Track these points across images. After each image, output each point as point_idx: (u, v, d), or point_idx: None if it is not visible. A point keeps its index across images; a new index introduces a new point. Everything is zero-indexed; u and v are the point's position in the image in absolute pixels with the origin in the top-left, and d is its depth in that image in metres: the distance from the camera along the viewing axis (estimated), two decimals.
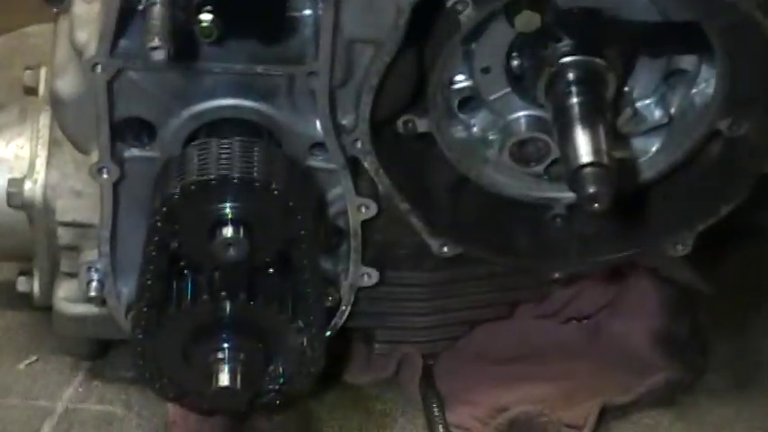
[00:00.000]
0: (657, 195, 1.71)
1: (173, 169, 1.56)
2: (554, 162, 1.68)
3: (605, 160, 1.52)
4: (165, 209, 1.55)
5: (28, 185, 1.68)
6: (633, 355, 1.78)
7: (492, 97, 1.64)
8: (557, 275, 1.75)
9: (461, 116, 1.66)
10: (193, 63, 1.54)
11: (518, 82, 1.63)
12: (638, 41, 1.60)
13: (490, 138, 1.66)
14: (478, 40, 1.59)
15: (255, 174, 1.52)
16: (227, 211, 1.52)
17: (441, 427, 1.72)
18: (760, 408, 1.76)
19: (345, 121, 1.59)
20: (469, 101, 1.66)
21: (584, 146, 1.51)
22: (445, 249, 1.68)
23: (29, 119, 1.76)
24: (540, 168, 1.67)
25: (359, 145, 1.60)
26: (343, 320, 1.76)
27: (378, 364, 1.81)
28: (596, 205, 1.49)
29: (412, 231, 1.68)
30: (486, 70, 1.62)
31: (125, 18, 1.49)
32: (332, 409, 1.79)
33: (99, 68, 1.52)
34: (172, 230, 1.57)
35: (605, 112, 1.58)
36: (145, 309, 1.61)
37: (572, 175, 1.52)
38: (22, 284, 1.81)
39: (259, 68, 1.55)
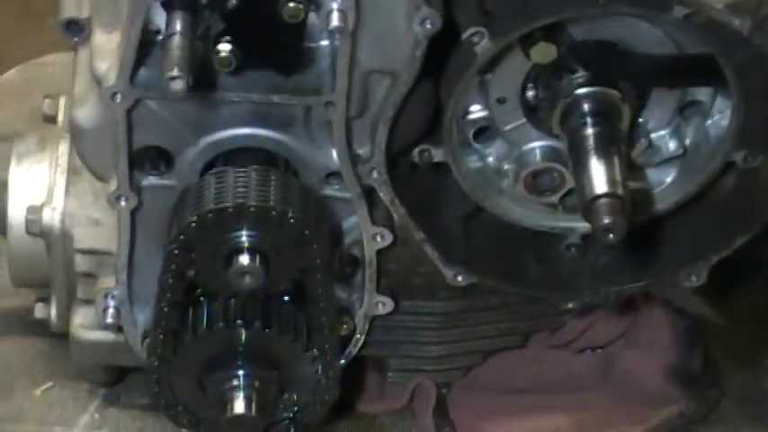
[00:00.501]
0: (672, 226, 1.71)
1: (190, 198, 1.56)
2: (569, 192, 1.66)
3: (620, 191, 1.51)
4: (181, 237, 1.55)
5: (46, 213, 1.67)
6: (647, 386, 1.75)
7: (507, 128, 1.63)
8: (570, 305, 1.70)
9: (476, 146, 1.65)
10: (211, 93, 1.52)
11: (533, 113, 1.62)
12: (652, 73, 1.58)
13: (505, 168, 1.65)
14: (494, 71, 1.58)
15: (272, 202, 1.51)
16: (244, 239, 1.51)
17: None
18: None
19: (361, 151, 1.59)
20: (484, 131, 1.65)
21: (599, 177, 1.51)
22: (459, 279, 1.67)
23: (48, 147, 1.76)
24: (554, 198, 1.67)
25: (374, 175, 1.59)
26: (357, 349, 1.74)
27: (391, 393, 1.79)
28: (611, 236, 1.49)
29: (426, 261, 1.67)
30: (501, 101, 1.61)
31: (145, 48, 1.48)
32: None
33: (118, 98, 1.50)
34: (188, 258, 1.56)
35: (620, 143, 1.57)
36: (161, 336, 1.60)
37: (587, 205, 1.51)
38: (39, 311, 1.81)
39: (276, 98, 1.54)
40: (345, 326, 1.70)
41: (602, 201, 1.49)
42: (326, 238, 1.59)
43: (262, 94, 1.52)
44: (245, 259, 1.51)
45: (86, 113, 1.58)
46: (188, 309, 1.62)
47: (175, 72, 1.37)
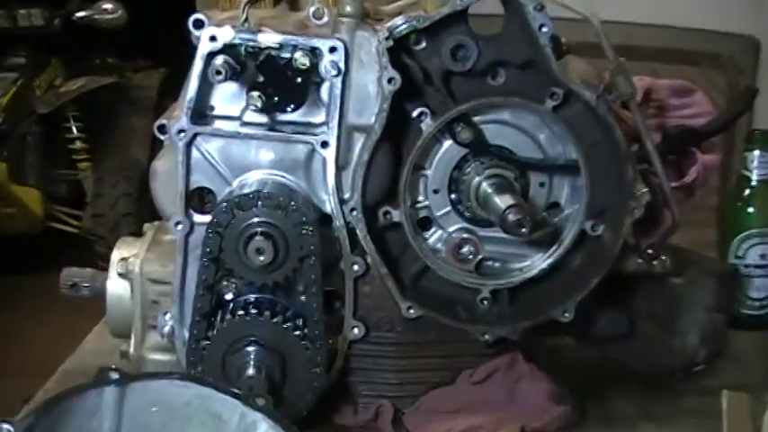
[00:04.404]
0: (549, 280, 1.52)
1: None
2: (480, 262, 1.49)
3: (522, 202, 1.35)
4: (215, 220, 1.32)
5: (131, 260, 1.47)
6: (537, 404, 1.53)
7: (438, 213, 1.47)
8: (487, 337, 1.50)
9: (422, 234, 1.48)
10: (245, 129, 1.37)
11: (455, 205, 1.49)
12: (527, 165, 1.48)
13: (438, 246, 1.49)
14: (431, 167, 1.45)
15: (281, 198, 1.31)
16: (258, 222, 1.32)
17: None
18: None
19: (346, 197, 1.39)
20: (427, 222, 1.48)
21: (503, 199, 1.37)
22: (411, 311, 1.43)
23: (140, 239, 1.56)
24: (471, 267, 1.48)
25: (354, 213, 1.38)
26: (338, 368, 1.47)
27: (361, 411, 1.54)
28: (523, 230, 1.30)
29: (389, 298, 1.45)
30: (436, 191, 1.45)
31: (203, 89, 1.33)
32: None
33: (182, 135, 1.35)
34: (219, 243, 1.33)
35: (518, 194, 1.43)
36: (197, 319, 1.36)
37: (501, 219, 1.32)
38: (123, 346, 1.53)
39: (290, 136, 1.37)
40: (331, 340, 1.43)
41: (510, 209, 1.33)
42: (318, 230, 1.35)
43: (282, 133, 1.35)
44: (260, 240, 1.31)
45: (161, 162, 1.42)
46: (217, 310, 1.38)
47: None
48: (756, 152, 1.75)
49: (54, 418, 0.90)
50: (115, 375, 0.95)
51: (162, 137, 1.38)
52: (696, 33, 3.39)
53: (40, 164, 5.08)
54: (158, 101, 5.19)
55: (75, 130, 5.16)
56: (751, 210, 1.77)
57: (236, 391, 1.04)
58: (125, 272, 1.46)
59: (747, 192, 1.78)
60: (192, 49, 1.30)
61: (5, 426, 0.82)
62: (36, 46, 5.01)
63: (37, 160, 5.07)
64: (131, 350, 1.49)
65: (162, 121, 1.38)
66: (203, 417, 1.00)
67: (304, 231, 1.30)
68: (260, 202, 1.29)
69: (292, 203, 1.29)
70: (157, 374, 1.04)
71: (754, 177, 1.77)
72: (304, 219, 1.29)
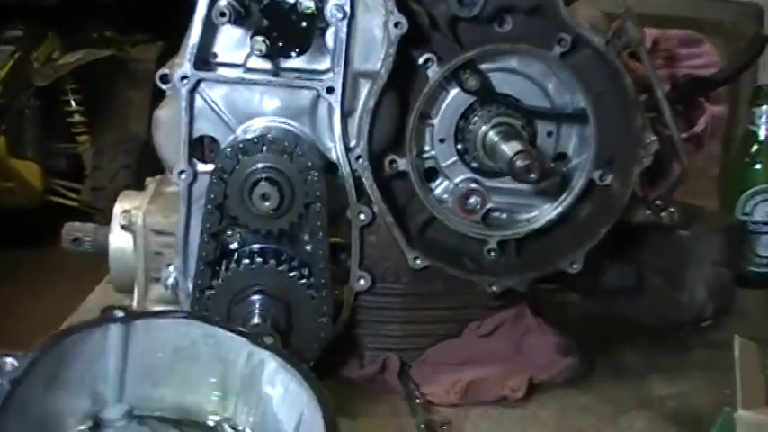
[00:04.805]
0: (557, 230, 1.48)
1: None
2: (487, 213, 1.46)
3: (530, 149, 1.32)
4: (220, 166, 1.29)
5: (134, 211, 1.44)
6: (544, 356, 1.51)
7: (445, 164, 1.43)
8: (494, 288, 1.47)
9: (429, 184, 1.45)
10: (249, 75, 1.34)
11: (462, 155, 1.45)
12: (533, 113, 1.45)
13: (444, 197, 1.46)
14: (438, 116, 1.41)
15: (286, 143, 1.27)
16: (263, 168, 1.29)
17: (415, 392, 1.44)
18: None
19: (352, 144, 1.35)
20: (433, 173, 1.45)
21: (511, 147, 1.32)
22: (418, 262, 1.40)
23: (142, 192, 1.53)
24: (478, 217, 1.45)
25: (360, 161, 1.35)
26: (345, 319, 1.43)
27: (367, 364, 1.51)
28: (532, 175, 1.27)
29: (395, 248, 1.42)
30: (442, 141, 1.41)
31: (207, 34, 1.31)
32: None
33: (185, 81, 1.31)
34: (223, 189, 1.29)
35: (525, 141, 1.39)
36: (202, 269, 1.33)
37: (509, 166, 1.28)
38: (126, 301, 1.47)
39: (295, 81, 1.34)
40: (337, 291, 1.39)
41: (518, 155, 1.29)
42: (324, 181, 1.31)
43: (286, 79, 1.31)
44: (265, 186, 1.28)
45: (164, 111, 1.37)
46: (222, 260, 1.34)
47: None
48: (764, 107, 1.72)
49: (59, 355, 0.88)
50: (120, 313, 0.92)
51: (164, 86, 1.34)
52: (699, 0, 3.31)
53: (39, 137, 5.03)
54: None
55: (73, 103, 5.10)
56: (758, 166, 1.75)
57: (243, 329, 1.00)
58: (128, 224, 1.42)
59: (755, 148, 1.74)
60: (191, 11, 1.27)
61: (9, 360, 0.80)
62: (33, 19, 4.94)
63: (35, 134, 5.01)
64: (135, 304, 1.45)
65: (164, 70, 1.34)
66: (209, 359, 0.98)
67: (310, 177, 1.26)
68: (265, 148, 1.26)
69: (298, 148, 1.25)
70: (162, 312, 1.02)
71: (762, 133, 1.73)
72: (310, 164, 1.26)
